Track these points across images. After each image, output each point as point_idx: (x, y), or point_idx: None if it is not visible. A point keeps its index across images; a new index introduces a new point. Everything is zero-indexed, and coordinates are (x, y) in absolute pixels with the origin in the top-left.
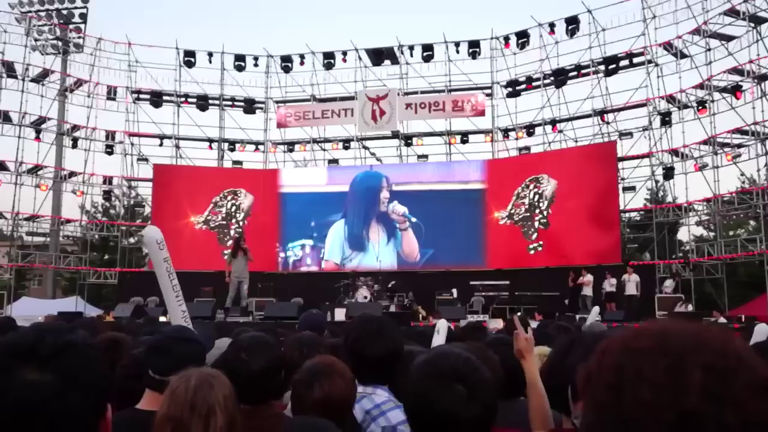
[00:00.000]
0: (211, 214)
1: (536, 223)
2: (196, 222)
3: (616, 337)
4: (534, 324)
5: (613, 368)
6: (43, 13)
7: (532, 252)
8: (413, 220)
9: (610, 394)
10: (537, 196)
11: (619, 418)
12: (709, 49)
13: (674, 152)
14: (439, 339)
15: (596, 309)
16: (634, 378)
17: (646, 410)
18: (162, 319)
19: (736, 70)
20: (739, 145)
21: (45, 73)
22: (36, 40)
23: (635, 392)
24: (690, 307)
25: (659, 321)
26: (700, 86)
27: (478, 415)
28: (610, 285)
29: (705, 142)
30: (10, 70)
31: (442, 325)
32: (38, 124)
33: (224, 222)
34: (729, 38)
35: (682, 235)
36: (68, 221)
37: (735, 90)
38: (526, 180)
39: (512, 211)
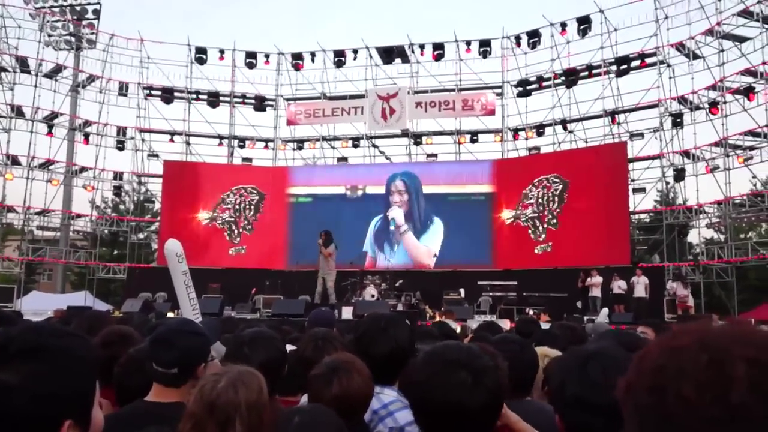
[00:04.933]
0: (219, 210)
1: (545, 224)
2: (203, 219)
3: (653, 341)
4: (545, 325)
5: (654, 370)
6: (56, 9)
7: (540, 252)
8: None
9: (653, 396)
10: (547, 197)
11: (663, 419)
12: (722, 50)
13: (685, 154)
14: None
15: (605, 310)
16: (677, 376)
17: (690, 407)
18: (170, 315)
19: (749, 72)
20: (752, 148)
21: (58, 69)
22: (49, 35)
23: (678, 390)
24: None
25: (692, 323)
26: (713, 87)
27: (484, 404)
28: (618, 287)
29: (716, 144)
30: (23, 65)
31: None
32: (50, 119)
33: (232, 219)
34: (742, 39)
35: (693, 237)
36: (78, 216)
37: (748, 92)
38: (534, 180)
39: (519, 212)
